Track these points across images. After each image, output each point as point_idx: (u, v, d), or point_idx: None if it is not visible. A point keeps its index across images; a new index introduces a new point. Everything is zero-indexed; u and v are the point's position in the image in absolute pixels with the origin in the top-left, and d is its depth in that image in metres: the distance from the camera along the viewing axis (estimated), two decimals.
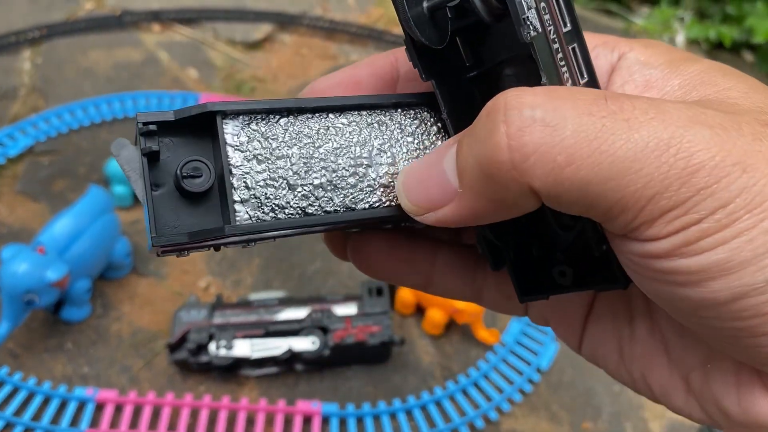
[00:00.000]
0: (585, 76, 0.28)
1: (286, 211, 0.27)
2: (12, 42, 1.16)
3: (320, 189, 0.28)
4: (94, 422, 0.66)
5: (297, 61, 1.24)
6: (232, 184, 0.27)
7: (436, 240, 0.35)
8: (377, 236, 0.34)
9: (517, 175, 0.23)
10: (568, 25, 0.27)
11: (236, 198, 0.27)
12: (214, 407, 0.67)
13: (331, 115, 0.29)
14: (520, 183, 0.23)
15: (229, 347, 0.69)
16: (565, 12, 0.27)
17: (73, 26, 1.21)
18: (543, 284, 0.32)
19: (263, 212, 0.27)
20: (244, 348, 0.69)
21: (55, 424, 0.65)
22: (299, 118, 0.29)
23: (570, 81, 0.27)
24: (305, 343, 0.70)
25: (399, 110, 0.31)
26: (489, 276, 0.35)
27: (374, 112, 0.30)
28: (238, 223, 0.26)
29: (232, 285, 0.80)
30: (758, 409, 0.26)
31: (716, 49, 1.41)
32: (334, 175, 0.28)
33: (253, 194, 0.27)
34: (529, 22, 0.26)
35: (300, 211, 0.28)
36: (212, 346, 0.69)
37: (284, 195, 0.27)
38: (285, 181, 0.27)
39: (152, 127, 0.27)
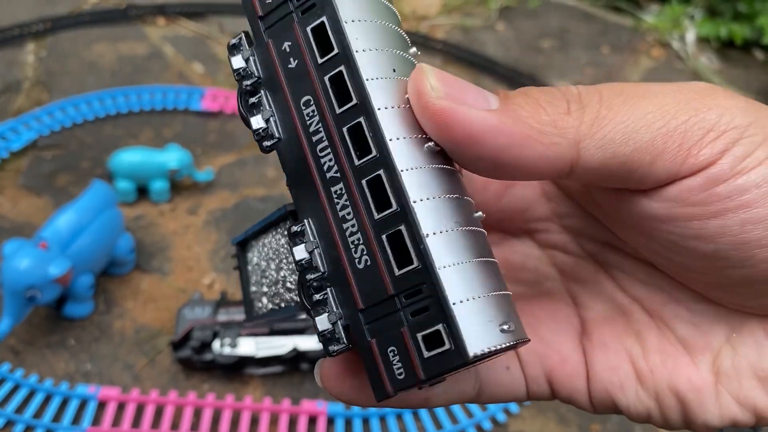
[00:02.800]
0: None
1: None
2: (16, 35, 1.15)
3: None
4: (96, 420, 0.65)
5: None
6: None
7: None
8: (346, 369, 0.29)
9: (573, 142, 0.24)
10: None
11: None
12: (217, 406, 0.66)
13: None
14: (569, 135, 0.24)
15: (233, 345, 0.67)
16: None
17: (78, 19, 1.20)
18: None
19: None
20: (248, 346, 0.68)
21: (57, 422, 0.64)
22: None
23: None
24: (311, 342, 0.69)
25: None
26: (484, 369, 0.32)
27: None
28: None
29: (236, 282, 0.79)
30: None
31: (727, 48, 1.40)
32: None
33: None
34: None
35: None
36: (216, 344, 0.68)
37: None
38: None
39: None
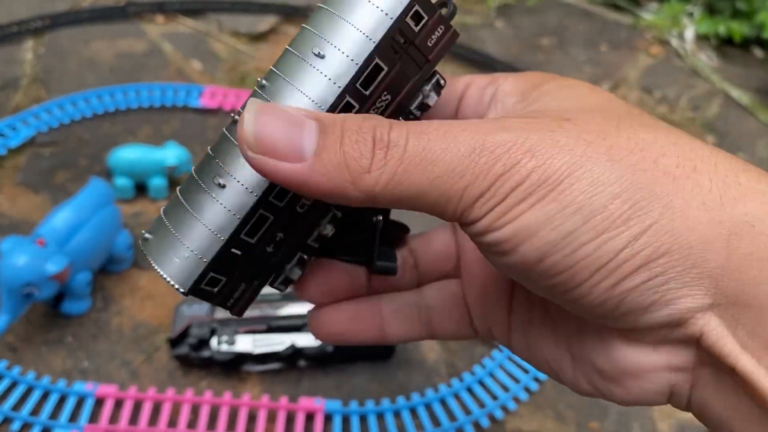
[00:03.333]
0: None
1: None
2: (14, 32, 1.15)
3: None
4: (93, 417, 0.65)
5: None
6: None
7: (376, 293, 0.41)
8: (328, 307, 0.40)
9: (369, 183, 0.28)
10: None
11: None
12: (215, 403, 0.66)
13: None
14: (366, 190, 0.28)
15: (231, 342, 0.67)
16: None
17: (77, 16, 1.20)
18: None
19: None
20: (246, 343, 0.68)
21: (54, 419, 0.64)
22: None
23: None
24: (308, 339, 0.69)
25: None
26: (434, 311, 0.41)
27: None
28: None
29: None
30: (621, 357, 0.31)
31: (726, 45, 1.40)
32: None
33: None
34: None
35: None
36: (214, 341, 0.68)
37: None
38: None
39: None
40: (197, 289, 0.32)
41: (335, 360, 0.71)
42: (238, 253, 0.32)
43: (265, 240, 0.33)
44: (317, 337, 0.41)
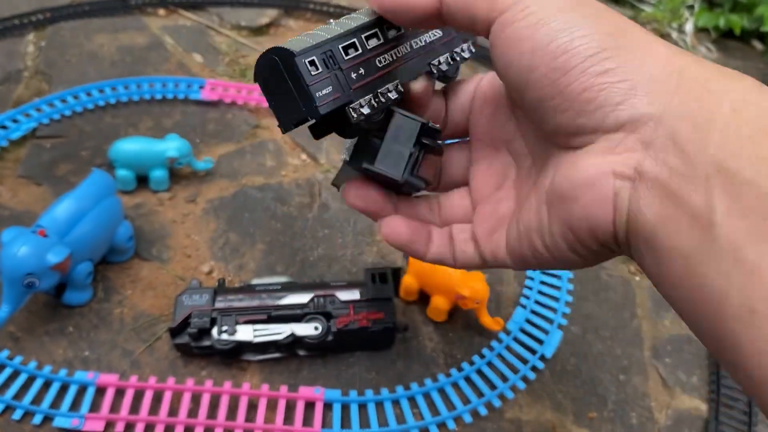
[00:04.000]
0: None
1: None
2: (16, 25, 1.15)
3: None
4: (95, 406, 0.65)
5: None
6: None
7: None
8: (395, 217, 0.45)
9: None
10: None
11: None
12: (215, 392, 0.66)
13: None
14: None
15: (231, 332, 0.68)
16: None
17: (78, 9, 1.21)
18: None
19: None
20: (246, 333, 0.68)
21: (55, 409, 0.64)
22: None
23: None
24: (308, 329, 0.69)
25: None
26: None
27: None
28: None
29: (234, 270, 0.80)
30: (581, 168, 0.35)
31: (726, 38, 1.40)
32: None
33: None
34: None
35: None
36: (214, 331, 0.68)
37: None
38: None
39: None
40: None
41: (334, 349, 0.71)
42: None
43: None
44: (387, 238, 0.45)
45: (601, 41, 0.34)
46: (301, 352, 0.71)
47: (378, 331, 0.70)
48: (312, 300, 0.71)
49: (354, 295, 0.71)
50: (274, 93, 0.38)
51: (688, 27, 1.39)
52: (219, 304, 0.69)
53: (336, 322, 0.69)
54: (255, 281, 0.74)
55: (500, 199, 0.44)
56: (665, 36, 1.38)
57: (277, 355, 0.71)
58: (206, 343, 0.68)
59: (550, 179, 0.38)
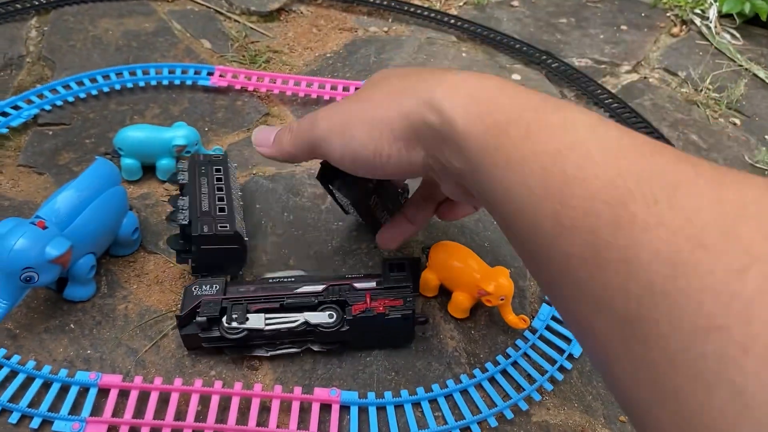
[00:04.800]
0: None
1: None
2: (18, 9, 1.11)
3: None
4: (97, 409, 0.61)
5: (314, 32, 1.19)
6: None
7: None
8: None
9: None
10: None
11: None
12: (225, 394, 0.63)
13: None
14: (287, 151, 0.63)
15: (241, 320, 0.64)
16: None
17: None
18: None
19: None
20: (257, 321, 0.64)
21: (55, 412, 0.60)
22: None
23: None
24: (322, 317, 0.65)
25: None
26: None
27: None
28: None
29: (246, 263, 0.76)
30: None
31: (750, 24, 1.36)
32: None
33: None
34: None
35: None
36: (224, 319, 0.64)
37: None
38: None
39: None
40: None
41: (350, 341, 0.67)
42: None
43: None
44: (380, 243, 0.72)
45: None
46: (315, 347, 0.67)
47: (396, 320, 0.65)
48: (327, 288, 0.67)
49: (371, 284, 0.67)
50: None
51: (712, 13, 1.35)
52: (230, 295, 0.66)
53: (351, 308, 0.65)
54: (268, 275, 0.70)
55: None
56: (687, 22, 1.34)
57: (289, 350, 0.67)
58: (215, 333, 0.64)
59: None
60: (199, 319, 0.64)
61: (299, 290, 0.67)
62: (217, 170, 0.76)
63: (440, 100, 0.46)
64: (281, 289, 0.67)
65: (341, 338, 0.67)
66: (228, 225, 0.69)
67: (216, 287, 0.66)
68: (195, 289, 0.66)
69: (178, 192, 0.76)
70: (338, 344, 0.68)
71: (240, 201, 0.77)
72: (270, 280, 0.68)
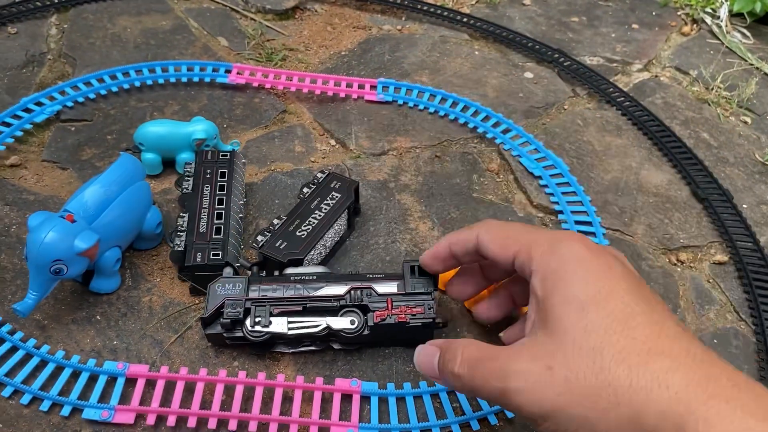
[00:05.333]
0: None
1: None
2: (39, 6, 1.13)
3: None
4: (124, 398, 0.63)
5: (328, 30, 1.21)
6: None
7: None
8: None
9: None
10: None
11: None
12: (249, 384, 0.64)
13: None
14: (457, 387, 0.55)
15: (265, 324, 0.65)
16: None
17: None
18: None
19: None
20: (280, 325, 0.66)
21: (84, 400, 0.62)
22: None
23: None
24: (344, 323, 0.66)
25: None
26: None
27: None
28: None
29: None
30: None
31: (761, 23, 1.37)
32: None
33: None
34: None
35: None
36: (247, 322, 0.66)
37: None
38: None
39: None
40: None
41: (371, 344, 0.69)
42: None
43: None
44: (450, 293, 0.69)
45: None
46: (336, 346, 0.68)
47: (417, 327, 0.67)
48: (348, 292, 0.68)
49: (392, 287, 0.68)
50: None
51: (723, 12, 1.35)
52: (252, 294, 0.67)
53: (374, 316, 0.66)
54: (289, 270, 0.71)
55: None
56: (698, 21, 1.35)
57: (310, 347, 0.68)
58: (239, 333, 0.66)
59: None
60: (222, 320, 0.65)
61: (321, 292, 0.68)
62: (222, 175, 0.79)
63: None
64: (303, 289, 0.68)
65: (361, 341, 0.68)
66: (220, 253, 0.71)
67: (239, 286, 0.67)
68: (218, 287, 0.67)
69: (185, 189, 0.77)
70: (358, 345, 0.69)
71: (243, 198, 0.80)
72: (291, 278, 0.69)
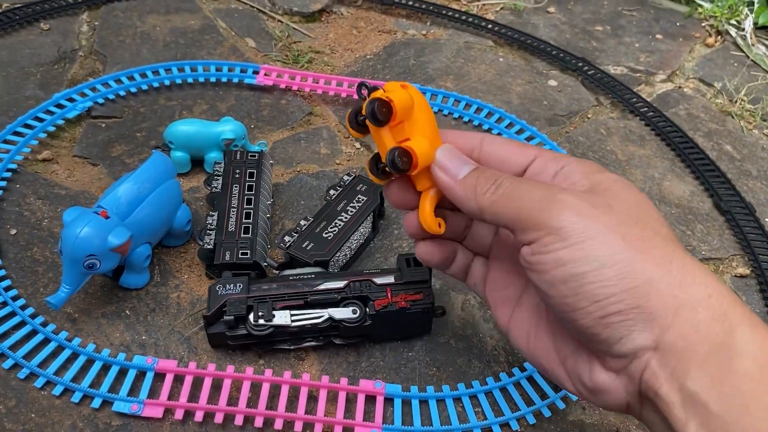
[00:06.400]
0: None
1: None
2: (70, 3, 1.14)
3: None
4: (153, 392, 0.64)
5: (354, 34, 1.22)
6: None
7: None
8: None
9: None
10: None
11: None
12: (275, 382, 0.65)
13: None
14: (479, 204, 0.49)
15: (268, 318, 0.66)
16: None
17: None
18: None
19: None
20: (283, 318, 0.67)
21: (114, 393, 0.63)
22: None
23: None
24: (346, 312, 0.68)
25: None
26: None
27: None
28: None
29: (283, 256, 0.78)
30: (597, 378, 0.47)
31: None
32: None
33: None
34: None
35: None
36: (250, 317, 0.66)
37: None
38: None
39: None
40: None
41: (373, 334, 0.70)
42: None
43: None
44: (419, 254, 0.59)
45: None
46: (338, 341, 0.69)
47: (417, 313, 0.68)
48: (348, 285, 0.69)
49: (389, 279, 0.70)
50: None
51: (747, 24, 1.36)
52: (254, 293, 0.68)
53: (374, 304, 0.67)
54: (288, 272, 0.72)
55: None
56: (722, 33, 1.36)
57: (312, 343, 0.69)
58: (242, 331, 0.67)
59: (572, 359, 0.50)
60: (226, 318, 0.66)
61: (321, 287, 0.69)
62: (251, 175, 0.80)
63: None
64: (303, 285, 0.69)
65: (364, 332, 0.69)
66: (249, 252, 0.73)
67: (240, 286, 0.68)
68: (219, 288, 0.68)
69: (215, 188, 0.78)
70: (360, 338, 0.70)
71: (270, 198, 0.82)
72: (290, 277, 0.70)
